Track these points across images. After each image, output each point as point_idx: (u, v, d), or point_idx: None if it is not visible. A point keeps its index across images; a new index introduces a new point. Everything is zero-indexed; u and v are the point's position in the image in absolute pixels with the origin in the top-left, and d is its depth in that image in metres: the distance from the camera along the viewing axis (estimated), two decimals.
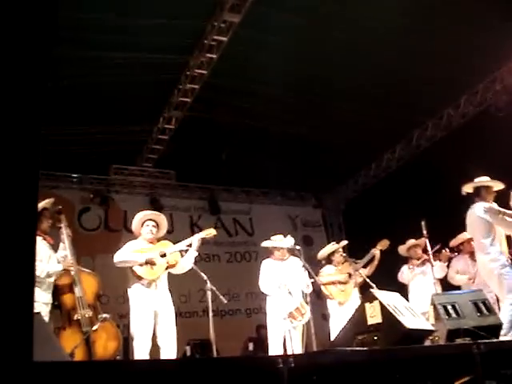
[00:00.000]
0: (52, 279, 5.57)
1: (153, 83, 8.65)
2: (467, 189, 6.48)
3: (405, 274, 8.13)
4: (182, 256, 6.21)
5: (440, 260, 7.62)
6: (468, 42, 7.89)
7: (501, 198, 6.38)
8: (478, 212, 6.21)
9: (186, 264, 6.18)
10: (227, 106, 9.35)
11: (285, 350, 6.70)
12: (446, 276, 7.81)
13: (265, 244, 7.35)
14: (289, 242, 7.22)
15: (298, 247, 6.86)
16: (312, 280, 6.88)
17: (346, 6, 7.42)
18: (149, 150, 10.72)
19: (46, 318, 5.27)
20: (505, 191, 6.38)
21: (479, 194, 6.35)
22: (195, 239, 6.27)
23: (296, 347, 6.65)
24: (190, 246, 6.22)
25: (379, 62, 8.43)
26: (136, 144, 10.38)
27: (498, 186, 6.43)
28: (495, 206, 6.19)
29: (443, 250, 7.65)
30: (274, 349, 6.78)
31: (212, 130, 9.76)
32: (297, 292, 6.92)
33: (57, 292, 5.60)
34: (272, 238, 7.35)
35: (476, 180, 6.49)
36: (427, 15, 7.58)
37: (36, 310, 4.71)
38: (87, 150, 9.46)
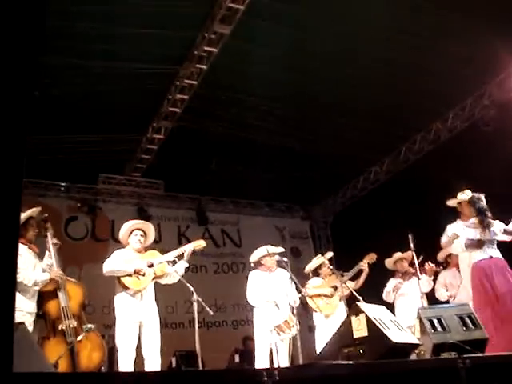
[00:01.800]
0: (37, 288, 5.52)
1: (142, 93, 8.64)
2: (451, 203, 6.70)
3: (391, 293, 8.06)
4: (170, 266, 6.19)
5: (426, 274, 7.61)
6: (456, 57, 7.96)
7: None
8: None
9: (176, 275, 6.13)
10: (217, 117, 9.36)
11: (271, 362, 6.68)
12: (432, 290, 7.81)
13: (256, 254, 7.31)
14: (279, 248, 7.25)
15: (285, 259, 6.83)
16: (299, 295, 6.88)
17: (336, 19, 7.47)
18: (137, 160, 10.67)
19: (30, 328, 5.21)
20: None
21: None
22: (187, 250, 6.25)
23: (282, 360, 6.63)
24: (177, 256, 6.20)
25: (368, 75, 8.48)
26: (125, 153, 10.34)
27: None
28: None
29: (427, 263, 7.61)
30: (261, 361, 6.75)
31: (201, 141, 9.76)
32: (284, 304, 6.91)
33: (41, 301, 5.56)
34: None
35: (458, 196, 6.69)
36: (415, 29, 7.64)
37: (20, 320, 4.68)
38: (75, 158, 9.42)
